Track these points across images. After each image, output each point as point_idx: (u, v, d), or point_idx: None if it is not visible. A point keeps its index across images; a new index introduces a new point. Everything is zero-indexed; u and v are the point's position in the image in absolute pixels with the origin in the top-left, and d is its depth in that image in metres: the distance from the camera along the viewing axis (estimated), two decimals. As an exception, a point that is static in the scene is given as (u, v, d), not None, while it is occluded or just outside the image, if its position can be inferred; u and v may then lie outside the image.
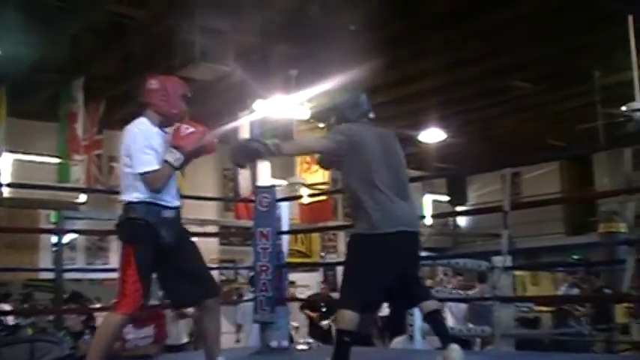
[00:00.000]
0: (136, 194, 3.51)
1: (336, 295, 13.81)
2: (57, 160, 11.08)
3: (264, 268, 5.71)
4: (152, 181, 3.49)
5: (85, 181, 10.82)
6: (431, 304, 3.65)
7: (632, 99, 9.18)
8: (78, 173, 10.74)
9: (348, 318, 3.46)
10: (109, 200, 12.18)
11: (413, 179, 4.40)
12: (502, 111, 12.97)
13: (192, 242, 3.79)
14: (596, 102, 11.28)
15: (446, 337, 3.58)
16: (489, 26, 9.10)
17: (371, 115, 3.89)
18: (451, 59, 10.06)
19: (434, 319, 3.66)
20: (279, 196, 6.15)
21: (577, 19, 9.10)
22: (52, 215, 10.49)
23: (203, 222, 12.56)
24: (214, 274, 13.21)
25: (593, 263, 9.10)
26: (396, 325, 8.13)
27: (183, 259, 3.62)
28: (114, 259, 12.32)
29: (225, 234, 13.48)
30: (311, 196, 11.36)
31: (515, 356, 3.45)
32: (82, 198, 11.63)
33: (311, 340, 6.79)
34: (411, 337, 6.48)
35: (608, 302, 8.53)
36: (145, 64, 9.53)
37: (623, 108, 9.47)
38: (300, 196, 10.96)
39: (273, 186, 6.17)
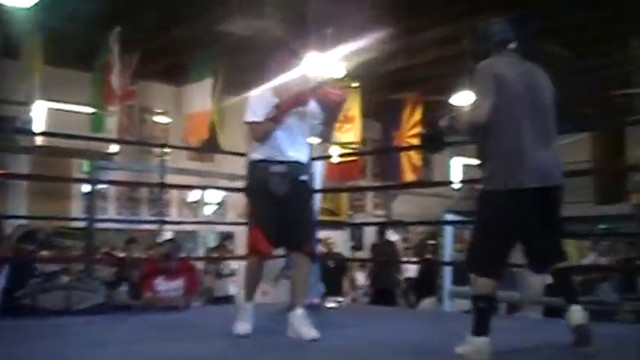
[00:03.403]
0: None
1: (360, 253, 14.01)
2: (91, 110, 11.14)
3: (297, 225, 5.76)
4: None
5: (117, 131, 10.89)
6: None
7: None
8: (111, 124, 10.82)
9: (482, 283, 3.25)
10: (140, 151, 12.32)
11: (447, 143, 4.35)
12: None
13: (301, 195, 4.11)
14: (631, 71, 11.11)
15: (571, 295, 3.34)
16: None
17: (511, 45, 3.45)
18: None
19: (559, 277, 3.42)
20: (313, 154, 6.17)
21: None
22: (85, 165, 10.62)
23: (232, 176, 12.63)
24: (242, 229, 13.31)
25: (623, 234, 9.08)
26: (425, 286, 8.20)
27: (288, 210, 4.01)
28: (144, 210, 12.50)
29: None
30: (342, 155, 11.38)
31: (543, 322, 3.47)
32: (115, 148, 11.73)
33: (341, 299, 6.89)
34: (440, 300, 6.56)
35: (635, 272, 8.54)
36: (182, 18, 9.53)
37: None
38: (331, 156, 10.98)
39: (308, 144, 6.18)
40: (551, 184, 3.23)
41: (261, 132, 4.04)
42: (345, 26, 9.50)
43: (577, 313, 3.22)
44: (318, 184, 6.30)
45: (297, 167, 4.09)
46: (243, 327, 4.07)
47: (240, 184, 12.59)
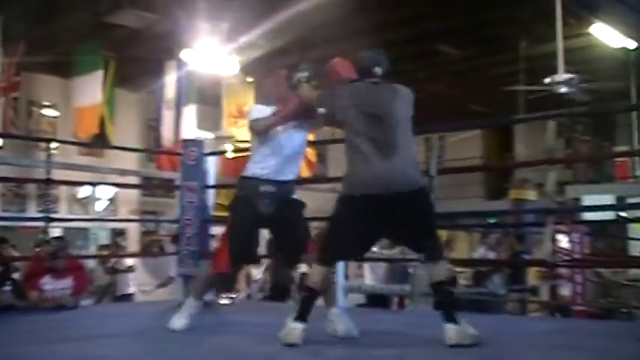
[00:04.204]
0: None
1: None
2: (-28, 102, 10.61)
3: (189, 222, 5.70)
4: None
5: (2, 125, 10.42)
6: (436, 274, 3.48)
7: (555, 71, 9.43)
8: (-6, 116, 10.34)
9: (316, 273, 3.59)
10: (27, 146, 11.82)
11: (338, 140, 4.39)
12: (428, 75, 13.07)
13: (293, 212, 4.15)
14: (519, 71, 11.52)
15: (447, 313, 3.40)
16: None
17: (376, 71, 3.73)
18: (379, 20, 10.03)
19: (436, 291, 3.51)
20: (206, 150, 6.09)
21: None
22: (-33, 159, 10.13)
23: (124, 172, 12.34)
24: (135, 226, 13.02)
25: (513, 225, 9.43)
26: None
27: (282, 229, 4.13)
28: (32, 207, 12.02)
29: (148, 186, 13.28)
30: (237, 151, 11.27)
31: (432, 315, 3.53)
32: (-1, 142, 11.23)
33: (234, 295, 6.83)
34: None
35: (524, 266, 8.88)
36: (69, 8, 9.19)
37: (546, 80, 9.73)
38: (226, 151, 10.86)
39: (200, 140, 6.11)
40: (393, 190, 3.42)
41: (262, 126, 4.03)
42: (239, 21, 9.43)
43: (450, 332, 3.34)
44: (212, 179, 6.19)
45: (287, 187, 4.14)
46: (178, 322, 4.12)
47: (132, 179, 12.40)
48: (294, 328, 3.50)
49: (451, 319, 3.36)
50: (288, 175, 4.13)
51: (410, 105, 3.72)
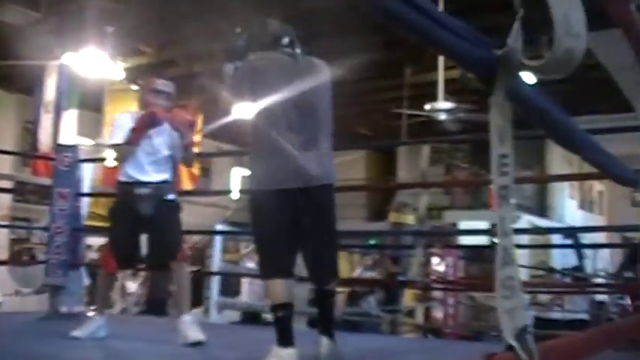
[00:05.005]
0: None
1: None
2: None
3: (59, 229, 5.49)
4: None
5: None
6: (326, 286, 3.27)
7: (436, 99, 9.73)
8: None
9: (274, 289, 3.11)
10: None
11: (223, 153, 4.36)
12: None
13: (166, 214, 4.15)
14: (404, 97, 11.80)
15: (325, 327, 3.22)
16: (296, 13, 9.03)
17: (284, 42, 3.28)
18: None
19: (320, 303, 3.30)
20: (82, 156, 5.91)
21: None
22: None
23: (-3, 175, 11.79)
24: (4, 232, 12.44)
25: (389, 247, 9.63)
26: (192, 297, 8.11)
27: (156, 229, 4.12)
28: None
29: (20, 190, 12.72)
30: (117, 159, 10.99)
31: (305, 334, 3.49)
32: None
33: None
34: (207, 310, 6.50)
35: (397, 287, 9.04)
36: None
37: (427, 107, 10.02)
38: (104, 159, 10.57)
39: (76, 145, 5.92)
40: (315, 184, 3.15)
41: (119, 155, 4.19)
42: (127, 27, 9.24)
43: (325, 347, 3.15)
44: (86, 187, 6.01)
45: (161, 187, 4.15)
46: (77, 332, 4.10)
47: (4, 183, 11.85)
48: (286, 356, 3.00)
49: (329, 333, 3.17)
50: (162, 176, 4.16)
51: (329, 87, 3.37)
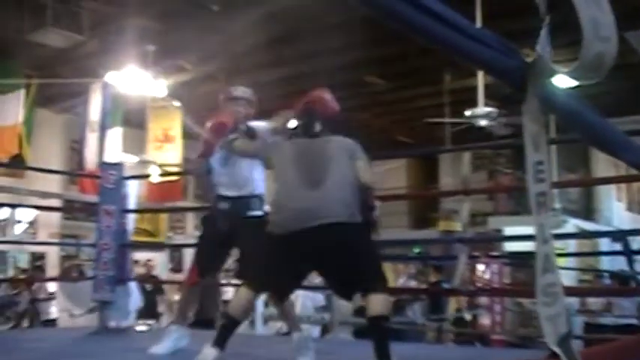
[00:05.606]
0: None
1: (179, 276, 13.75)
2: None
3: (106, 246, 5.58)
4: None
5: None
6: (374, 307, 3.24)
7: (476, 104, 9.67)
8: None
9: (240, 298, 3.40)
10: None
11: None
12: (355, 105, 13.17)
13: (246, 232, 3.95)
14: (444, 104, 11.75)
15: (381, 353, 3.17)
16: (346, 20, 9.09)
17: (316, 129, 3.67)
18: (308, 49, 10.08)
19: (373, 328, 3.26)
20: (127, 173, 6.00)
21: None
22: None
23: (45, 194, 12.03)
24: (55, 249, 12.63)
25: (431, 257, 9.55)
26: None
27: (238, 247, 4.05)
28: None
29: (69, 208, 12.97)
30: (162, 175, 11.14)
31: (351, 344, 3.50)
32: None
33: (151, 322, 6.71)
34: (252, 323, 6.54)
35: (441, 295, 8.98)
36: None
37: (467, 112, 9.96)
38: (149, 175, 10.71)
39: (120, 163, 6.02)
40: (322, 223, 3.28)
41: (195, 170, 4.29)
42: (167, 44, 9.38)
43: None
44: (131, 203, 6.09)
45: (240, 203, 4.03)
46: (158, 348, 4.02)
47: (53, 202, 12.08)
48: (208, 354, 3.31)
49: (386, 356, 3.13)
50: (241, 191, 4.05)
51: (347, 149, 3.60)
